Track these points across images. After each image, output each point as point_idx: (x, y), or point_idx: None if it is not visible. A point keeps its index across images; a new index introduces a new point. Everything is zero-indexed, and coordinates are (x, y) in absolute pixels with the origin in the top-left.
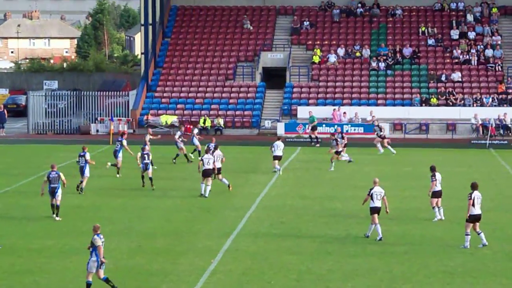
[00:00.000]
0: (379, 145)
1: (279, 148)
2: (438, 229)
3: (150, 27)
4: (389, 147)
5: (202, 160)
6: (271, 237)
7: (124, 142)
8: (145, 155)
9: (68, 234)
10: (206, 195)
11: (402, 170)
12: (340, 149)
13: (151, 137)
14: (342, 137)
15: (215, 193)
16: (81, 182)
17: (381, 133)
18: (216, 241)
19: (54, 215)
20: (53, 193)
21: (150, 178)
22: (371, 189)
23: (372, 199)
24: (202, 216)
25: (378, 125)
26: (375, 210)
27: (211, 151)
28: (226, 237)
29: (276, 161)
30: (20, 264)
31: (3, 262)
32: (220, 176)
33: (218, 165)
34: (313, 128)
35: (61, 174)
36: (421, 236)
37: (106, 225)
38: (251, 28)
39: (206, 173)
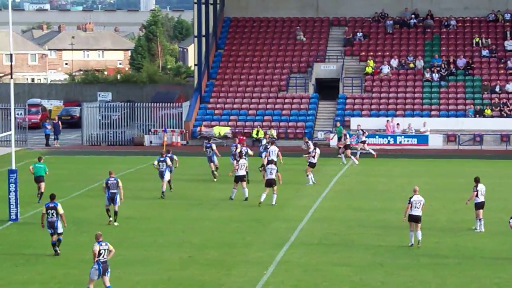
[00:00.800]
0: (345, 155)
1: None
2: (491, 241)
3: (203, 39)
4: (353, 157)
5: (265, 170)
6: (323, 248)
7: (214, 146)
8: (161, 163)
9: (120, 245)
10: (273, 203)
11: (456, 182)
12: (348, 143)
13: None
14: (363, 133)
15: (267, 205)
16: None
17: (344, 140)
18: (268, 252)
19: (113, 220)
20: (112, 199)
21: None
22: (410, 198)
23: (411, 207)
24: (254, 228)
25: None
26: (412, 218)
27: (243, 155)
28: (278, 248)
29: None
30: (73, 275)
31: (57, 272)
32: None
33: (274, 158)
34: (339, 139)
35: (119, 180)
36: (474, 248)
37: (158, 236)
38: (304, 39)
39: (268, 183)
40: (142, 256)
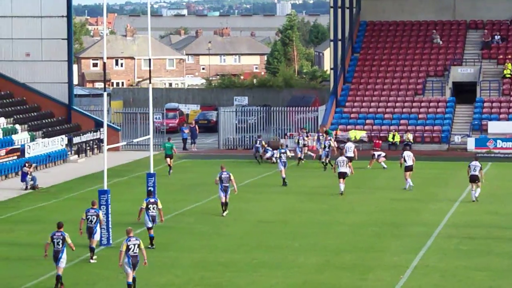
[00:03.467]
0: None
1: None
2: None
3: (339, 43)
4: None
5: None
6: (460, 253)
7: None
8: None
9: (256, 248)
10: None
11: None
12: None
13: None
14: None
15: (403, 209)
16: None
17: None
18: (405, 257)
19: (223, 211)
20: (225, 191)
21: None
22: None
23: None
24: (390, 232)
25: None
26: None
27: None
28: (415, 253)
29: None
30: (210, 278)
31: (195, 275)
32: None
33: (350, 154)
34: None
35: (231, 174)
36: None
37: (294, 240)
38: (441, 42)
39: (341, 175)
40: (278, 260)
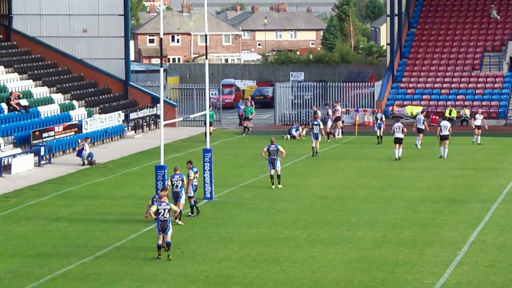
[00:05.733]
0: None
1: None
2: None
3: (396, 18)
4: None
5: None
6: None
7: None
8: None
9: (314, 224)
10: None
11: None
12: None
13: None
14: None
15: (461, 185)
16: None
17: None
18: (462, 232)
19: (278, 185)
20: (273, 164)
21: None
22: None
23: None
24: (448, 208)
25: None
26: None
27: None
28: (473, 228)
29: None
30: (267, 253)
31: (252, 250)
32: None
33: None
34: (245, 118)
35: (279, 147)
36: None
37: (351, 215)
38: (499, 17)
39: (397, 140)
40: (335, 235)
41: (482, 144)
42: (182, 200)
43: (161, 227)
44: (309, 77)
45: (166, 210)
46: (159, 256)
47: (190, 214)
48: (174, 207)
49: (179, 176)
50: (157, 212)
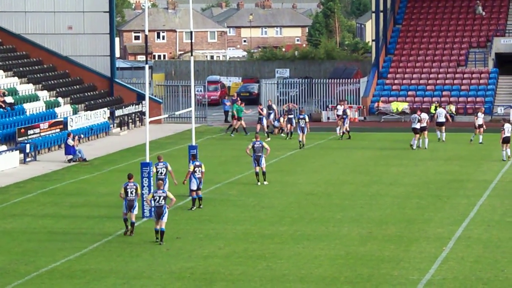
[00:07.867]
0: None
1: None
2: None
3: (381, 14)
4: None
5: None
6: (504, 225)
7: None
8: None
9: (299, 220)
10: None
11: None
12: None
13: None
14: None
15: (446, 181)
16: None
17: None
18: (448, 228)
19: (263, 182)
20: (258, 160)
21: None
22: None
23: None
24: (433, 204)
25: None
26: None
27: None
28: (458, 224)
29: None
30: (253, 250)
31: (238, 247)
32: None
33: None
34: (238, 118)
35: (264, 143)
36: None
37: (337, 212)
38: (484, 13)
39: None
40: (321, 232)
41: (483, 143)
42: (166, 187)
43: (157, 213)
44: (295, 74)
45: (162, 197)
46: (157, 240)
47: (196, 206)
48: (170, 195)
49: (163, 164)
50: (152, 198)
